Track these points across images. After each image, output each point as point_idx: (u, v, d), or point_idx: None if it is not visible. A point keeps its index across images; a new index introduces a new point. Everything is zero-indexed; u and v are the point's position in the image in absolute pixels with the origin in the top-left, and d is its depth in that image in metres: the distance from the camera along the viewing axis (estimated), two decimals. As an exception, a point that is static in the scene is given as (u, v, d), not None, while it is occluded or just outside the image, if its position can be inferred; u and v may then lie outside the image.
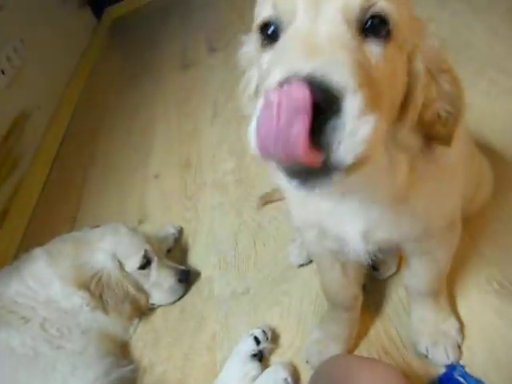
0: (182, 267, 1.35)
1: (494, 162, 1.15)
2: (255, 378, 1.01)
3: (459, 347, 0.95)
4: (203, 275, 1.38)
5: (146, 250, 1.26)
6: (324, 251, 0.88)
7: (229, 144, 1.91)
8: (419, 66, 0.56)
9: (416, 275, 0.93)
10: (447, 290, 1.03)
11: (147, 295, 1.29)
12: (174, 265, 1.34)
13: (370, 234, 0.72)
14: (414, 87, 0.57)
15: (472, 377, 0.90)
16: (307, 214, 0.77)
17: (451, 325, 0.97)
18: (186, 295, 1.33)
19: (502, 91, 1.57)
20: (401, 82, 0.56)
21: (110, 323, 1.23)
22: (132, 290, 1.23)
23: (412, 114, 0.57)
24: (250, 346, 1.05)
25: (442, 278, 0.97)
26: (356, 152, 0.42)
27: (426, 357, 0.95)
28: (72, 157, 2.39)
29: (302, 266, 1.27)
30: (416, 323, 1.00)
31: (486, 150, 1.19)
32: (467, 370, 0.91)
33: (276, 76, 0.43)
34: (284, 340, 1.11)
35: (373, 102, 0.45)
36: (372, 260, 0.83)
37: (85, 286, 1.18)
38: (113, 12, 4.09)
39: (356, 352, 1.04)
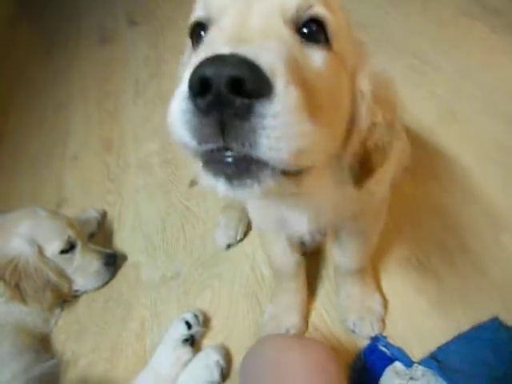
0: (108, 250, 1.28)
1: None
2: (187, 362, 0.99)
3: (383, 321, 1.01)
4: (129, 260, 1.32)
5: (69, 236, 1.17)
6: (267, 228, 0.91)
7: (153, 124, 1.83)
8: (364, 87, 0.54)
9: (346, 253, 0.98)
10: (372, 269, 1.08)
11: (70, 281, 1.20)
12: (98, 248, 1.26)
13: (316, 218, 0.73)
14: (359, 110, 0.55)
15: (393, 346, 0.96)
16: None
17: (376, 301, 1.03)
18: (111, 282, 1.27)
19: (417, 76, 1.66)
20: (344, 98, 0.53)
21: (28, 315, 1.14)
22: (53, 277, 1.14)
23: (356, 137, 0.55)
24: (181, 331, 1.03)
25: (369, 256, 1.02)
26: (284, 151, 0.40)
27: (354, 331, 1.00)
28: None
29: (229, 246, 1.26)
30: (343, 300, 1.05)
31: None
32: (389, 340, 0.97)
33: (195, 60, 0.40)
34: (215, 323, 1.10)
35: (312, 110, 0.42)
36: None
37: (-3, 276, 1.08)
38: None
39: (287, 330, 1.06)
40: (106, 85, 2.19)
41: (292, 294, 1.05)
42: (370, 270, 1.07)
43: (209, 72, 0.37)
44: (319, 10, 0.49)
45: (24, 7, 3.37)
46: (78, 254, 1.19)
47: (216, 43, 0.42)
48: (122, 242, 1.38)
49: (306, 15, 0.49)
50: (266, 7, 0.47)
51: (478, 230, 1.18)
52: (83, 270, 1.21)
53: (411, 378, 0.90)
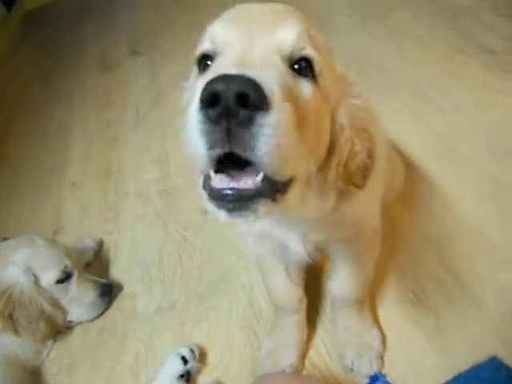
0: (104, 280, 1.27)
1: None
2: (183, 399, 0.98)
3: (381, 358, 0.99)
4: (125, 291, 1.31)
5: (65, 265, 1.16)
6: (266, 254, 0.94)
7: (152, 152, 1.85)
8: (343, 120, 0.63)
9: (342, 282, 0.98)
10: (369, 303, 1.07)
11: (65, 312, 1.19)
12: (94, 278, 1.25)
13: (308, 236, 0.78)
14: (338, 139, 0.64)
15: (392, 385, 0.95)
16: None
17: (374, 336, 1.02)
18: (106, 312, 1.25)
19: (413, 111, 1.69)
20: (326, 128, 0.62)
21: (20, 347, 1.13)
22: (47, 307, 1.13)
23: (336, 163, 0.64)
24: (177, 367, 1.01)
25: (366, 285, 1.02)
26: (277, 156, 0.48)
27: (352, 369, 0.99)
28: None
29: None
30: (341, 334, 1.03)
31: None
32: (388, 379, 0.96)
33: (205, 80, 0.48)
34: (212, 358, 1.08)
35: (299, 130, 0.51)
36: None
37: (-10, 305, 1.06)
38: (27, 3, 3.78)
39: (284, 366, 1.04)
40: (107, 112, 2.22)
41: (291, 330, 1.04)
42: (368, 303, 1.07)
43: (219, 87, 0.45)
44: (309, 52, 0.58)
45: (28, 32, 3.43)
46: (73, 284, 1.18)
47: (223, 67, 0.51)
48: (119, 271, 1.37)
49: (298, 55, 0.57)
50: (265, 45, 0.56)
51: (474, 264, 1.18)
52: (78, 300, 1.19)
53: (410, 419, 0.88)
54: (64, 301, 1.18)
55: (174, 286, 1.29)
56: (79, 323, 1.23)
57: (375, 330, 1.03)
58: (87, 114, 2.25)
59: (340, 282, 0.99)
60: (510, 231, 1.25)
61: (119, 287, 1.31)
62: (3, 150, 2.11)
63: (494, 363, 0.97)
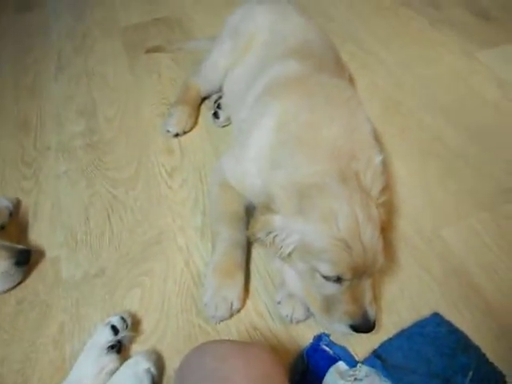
0: (20, 246, 1.11)
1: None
2: (114, 371, 0.88)
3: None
4: (47, 256, 1.17)
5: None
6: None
7: (77, 103, 1.66)
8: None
9: None
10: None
11: (-27, 284, 1.04)
12: (8, 244, 1.09)
13: None
14: None
15: (336, 345, 0.92)
16: None
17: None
18: (24, 281, 1.11)
19: (359, 64, 1.64)
20: None
21: None
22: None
23: None
24: (106, 337, 0.91)
25: None
26: None
27: (279, 303, 0.97)
28: None
29: (177, 135, 1.45)
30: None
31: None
32: (332, 339, 0.93)
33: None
34: (146, 325, 1.00)
35: None
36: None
37: None
38: None
39: (225, 329, 0.99)
40: (24, 57, 1.96)
41: (234, 257, 1.02)
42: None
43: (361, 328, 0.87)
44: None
45: None
46: (-19, 252, 1.03)
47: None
48: (39, 235, 1.22)
49: None
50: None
51: (419, 222, 1.18)
52: (-12, 270, 1.04)
53: (355, 379, 0.86)
54: (-29, 270, 1.02)
55: (103, 249, 1.17)
56: (-8, 294, 1.08)
57: None
58: (1, 59, 1.97)
59: None
60: (452, 187, 1.26)
61: (40, 253, 1.16)
62: None
63: (436, 319, 0.97)
